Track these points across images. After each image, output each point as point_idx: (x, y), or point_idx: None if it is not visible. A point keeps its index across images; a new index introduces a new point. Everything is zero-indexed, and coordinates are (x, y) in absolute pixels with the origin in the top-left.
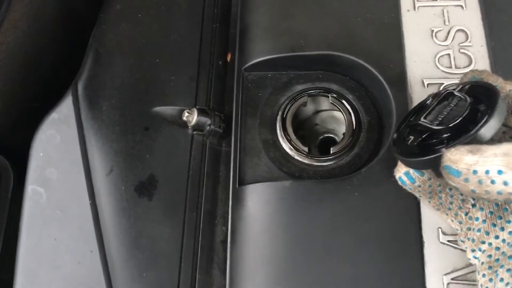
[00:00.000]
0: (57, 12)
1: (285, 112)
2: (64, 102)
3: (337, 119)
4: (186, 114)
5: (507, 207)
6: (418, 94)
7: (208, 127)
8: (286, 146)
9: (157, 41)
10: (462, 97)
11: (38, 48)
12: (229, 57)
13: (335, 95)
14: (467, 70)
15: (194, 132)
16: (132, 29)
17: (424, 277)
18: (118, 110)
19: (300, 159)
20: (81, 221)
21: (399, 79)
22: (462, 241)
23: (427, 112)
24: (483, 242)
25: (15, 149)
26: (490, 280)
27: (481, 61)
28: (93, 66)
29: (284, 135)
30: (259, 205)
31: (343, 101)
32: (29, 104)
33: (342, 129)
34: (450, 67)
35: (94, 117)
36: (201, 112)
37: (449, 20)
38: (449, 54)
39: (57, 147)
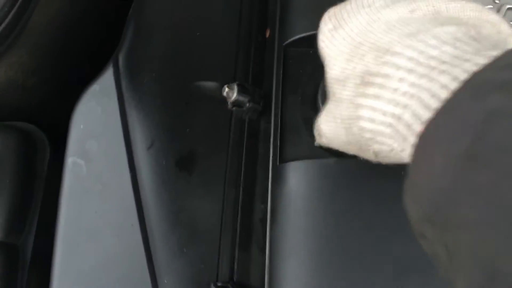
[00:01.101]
0: None
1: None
2: (105, 74)
3: None
4: (226, 89)
5: None
6: None
7: (247, 104)
8: None
9: (196, 15)
10: None
11: (78, 20)
12: (268, 34)
13: None
14: None
15: (234, 108)
16: (172, 2)
17: None
18: (159, 83)
19: None
20: (122, 195)
21: None
22: None
23: None
24: None
25: (52, 123)
26: None
27: None
28: (133, 38)
29: None
30: (301, 183)
31: None
32: (67, 78)
33: None
34: None
35: (135, 89)
36: (241, 88)
37: None
38: None
39: (98, 119)
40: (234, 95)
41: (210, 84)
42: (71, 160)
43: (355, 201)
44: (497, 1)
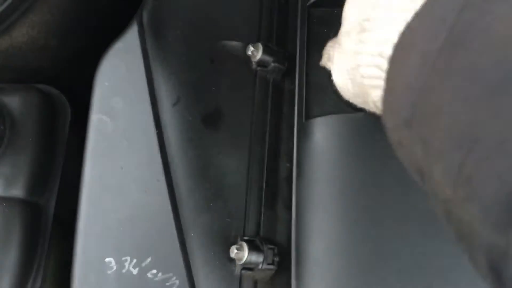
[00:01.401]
0: None
1: None
2: (129, 32)
3: None
4: (251, 48)
5: None
6: None
7: (272, 64)
8: None
9: None
10: None
11: None
12: None
13: None
14: None
15: (258, 68)
16: None
17: None
18: (184, 41)
19: None
20: (148, 151)
21: None
22: None
23: None
24: None
25: (72, 85)
26: None
27: None
28: None
29: None
30: (327, 138)
31: None
32: (88, 39)
33: None
34: None
35: (159, 47)
36: (266, 48)
37: None
38: None
39: (123, 76)
40: (259, 55)
41: (234, 43)
42: (96, 117)
43: (381, 155)
44: None
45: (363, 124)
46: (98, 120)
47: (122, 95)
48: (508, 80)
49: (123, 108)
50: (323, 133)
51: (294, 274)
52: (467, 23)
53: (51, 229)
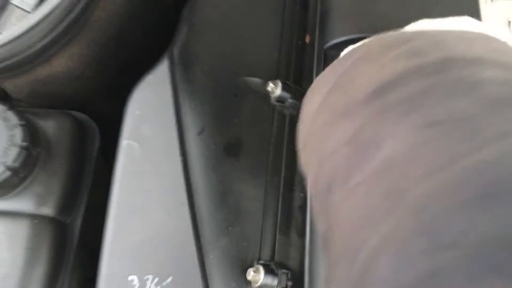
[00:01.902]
0: None
1: None
2: (160, 65)
3: None
4: (271, 85)
5: None
6: None
7: (289, 100)
8: None
9: (244, 17)
10: None
11: (135, 17)
12: (308, 39)
13: None
14: None
15: (276, 103)
16: (222, 3)
17: None
18: (210, 75)
19: None
20: (173, 176)
21: None
22: None
23: None
24: None
25: (101, 113)
26: None
27: None
28: (187, 34)
29: None
30: None
31: None
32: (119, 71)
33: None
34: None
35: (187, 80)
36: (284, 85)
37: None
38: None
39: (152, 106)
40: (277, 91)
41: (256, 80)
42: (126, 142)
43: None
44: None
45: None
46: (128, 145)
47: (151, 123)
48: None
49: (151, 135)
50: None
51: None
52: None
53: (75, 247)
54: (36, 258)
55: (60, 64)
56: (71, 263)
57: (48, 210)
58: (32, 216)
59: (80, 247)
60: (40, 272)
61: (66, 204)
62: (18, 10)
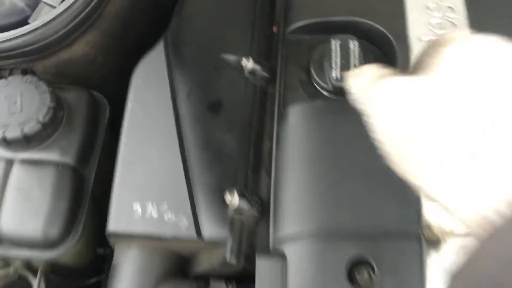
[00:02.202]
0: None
1: None
2: (158, 46)
3: None
4: (244, 60)
5: None
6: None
7: (259, 73)
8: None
9: (224, 10)
10: None
11: (139, 11)
12: (275, 30)
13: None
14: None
15: (249, 75)
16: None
17: None
18: (196, 53)
19: None
20: (167, 128)
21: (404, 39)
22: None
23: None
24: None
25: (111, 91)
26: None
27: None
28: (178, 23)
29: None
30: (298, 122)
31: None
32: (127, 57)
33: None
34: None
35: (178, 57)
36: (255, 61)
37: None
38: (440, 22)
39: (152, 77)
40: (250, 65)
41: (232, 57)
42: (131, 105)
43: (337, 136)
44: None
45: (325, 110)
46: (132, 107)
47: (150, 89)
48: None
49: (151, 98)
50: (295, 118)
51: (272, 220)
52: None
53: (90, 193)
54: (60, 198)
55: (78, 49)
56: (87, 205)
57: (69, 159)
58: (56, 164)
59: (93, 193)
60: (63, 208)
61: (83, 157)
62: (47, 6)
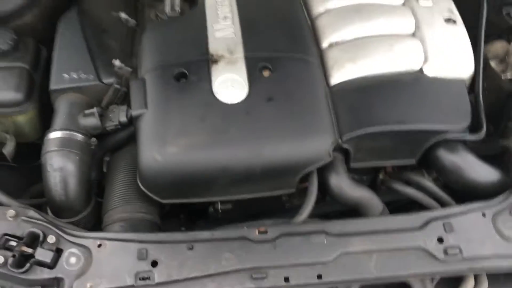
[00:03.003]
0: None
1: None
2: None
3: None
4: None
5: None
6: None
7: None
8: None
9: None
10: None
11: None
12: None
13: None
14: None
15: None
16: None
17: None
18: (94, 14)
19: None
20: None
21: None
22: None
23: None
24: None
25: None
26: None
27: None
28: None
29: None
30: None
31: None
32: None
33: None
34: None
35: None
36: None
37: None
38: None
39: (68, 27)
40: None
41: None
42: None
43: None
44: None
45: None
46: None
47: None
48: None
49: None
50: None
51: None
52: None
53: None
54: (21, 79)
55: (28, 18)
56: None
57: (26, 65)
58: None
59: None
60: (24, 85)
61: (35, 65)
62: None
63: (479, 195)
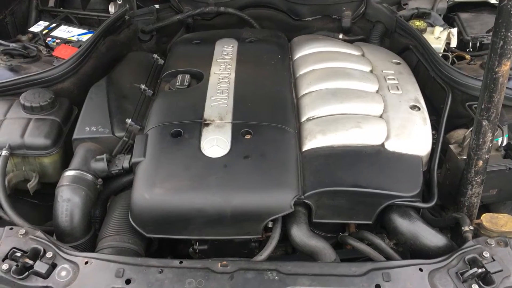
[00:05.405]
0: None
1: None
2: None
3: None
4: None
5: None
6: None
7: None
8: None
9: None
10: None
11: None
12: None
13: None
14: None
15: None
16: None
17: None
18: (115, 88)
19: None
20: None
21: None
22: None
23: None
24: None
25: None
26: None
27: None
28: (112, 75)
29: None
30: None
31: None
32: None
33: None
34: None
35: (111, 85)
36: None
37: None
38: None
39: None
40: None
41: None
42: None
43: None
44: None
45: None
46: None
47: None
48: None
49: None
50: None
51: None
52: None
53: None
54: (52, 129)
55: (65, 84)
56: (64, 135)
57: (58, 119)
58: (53, 120)
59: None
60: (54, 133)
61: (65, 119)
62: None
63: (424, 255)
